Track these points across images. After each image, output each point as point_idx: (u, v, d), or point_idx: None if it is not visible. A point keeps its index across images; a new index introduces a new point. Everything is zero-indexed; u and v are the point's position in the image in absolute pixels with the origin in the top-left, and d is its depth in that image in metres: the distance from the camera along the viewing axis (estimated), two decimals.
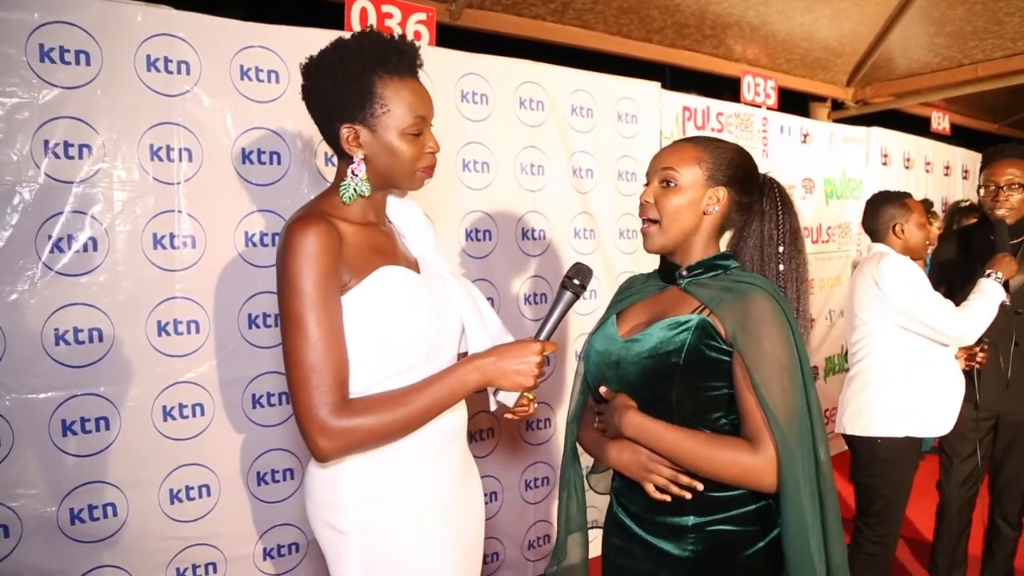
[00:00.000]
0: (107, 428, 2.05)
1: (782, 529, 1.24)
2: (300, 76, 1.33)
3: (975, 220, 4.14)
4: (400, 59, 1.30)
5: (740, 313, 1.26)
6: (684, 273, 1.39)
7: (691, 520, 1.31)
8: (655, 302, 1.42)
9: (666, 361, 1.29)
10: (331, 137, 1.34)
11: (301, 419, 1.21)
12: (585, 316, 3.05)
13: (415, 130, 1.31)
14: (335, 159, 2.35)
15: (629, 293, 1.50)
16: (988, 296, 2.40)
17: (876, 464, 2.48)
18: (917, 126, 5.32)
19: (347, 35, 1.32)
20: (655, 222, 1.37)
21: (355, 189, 1.32)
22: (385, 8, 2.62)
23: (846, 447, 2.58)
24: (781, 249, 1.40)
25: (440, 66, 2.61)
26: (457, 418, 1.44)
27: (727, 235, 1.47)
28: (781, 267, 1.39)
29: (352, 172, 1.32)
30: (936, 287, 2.49)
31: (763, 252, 1.40)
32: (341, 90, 1.27)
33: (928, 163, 5.12)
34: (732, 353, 1.26)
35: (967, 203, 4.49)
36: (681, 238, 1.38)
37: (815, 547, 1.21)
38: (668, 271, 1.43)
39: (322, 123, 1.34)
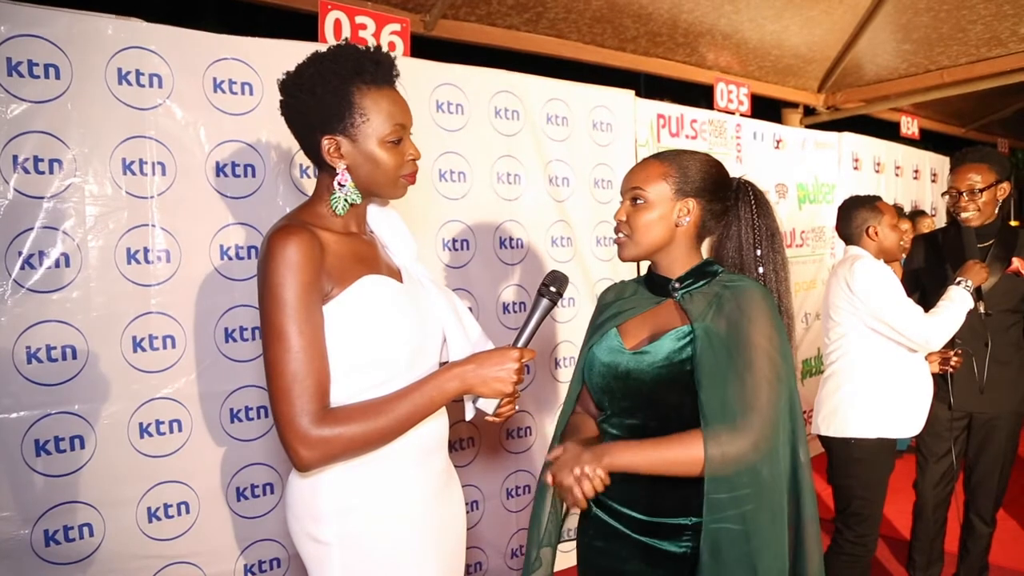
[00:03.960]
0: (82, 447, 2.02)
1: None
2: (276, 90, 1.34)
3: (930, 221, 4.25)
4: (377, 69, 1.31)
5: (732, 310, 1.31)
6: (677, 285, 1.42)
7: (691, 520, 1.33)
8: (654, 315, 1.45)
9: (680, 369, 1.32)
10: (311, 150, 1.34)
11: (282, 429, 1.21)
12: (565, 323, 3.07)
13: (395, 138, 1.32)
14: (310, 171, 2.37)
15: (624, 306, 1.51)
16: (956, 304, 2.43)
17: (851, 465, 2.51)
18: (887, 131, 5.42)
19: (323, 48, 1.33)
20: (628, 236, 1.42)
21: (346, 200, 1.33)
22: (359, 19, 2.62)
23: (822, 449, 2.61)
24: (759, 252, 1.43)
25: (415, 77, 2.61)
26: (439, 428, 1.44)
27: (708, 242, 1.50)
28: (760, 269, 1.43)
29: (339, 184, 1.32)
30: (910, 292, 2.53)
31: (742, 256, 1.44)
32: (320, 102, 1.28)
33: (898, 167, 5.22)
34: None
35: (913, 209, 4.61)
36: (655, 248, 1.42)
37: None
38: (659, 284, 1.46)
39: (302, 136, 1.34)
